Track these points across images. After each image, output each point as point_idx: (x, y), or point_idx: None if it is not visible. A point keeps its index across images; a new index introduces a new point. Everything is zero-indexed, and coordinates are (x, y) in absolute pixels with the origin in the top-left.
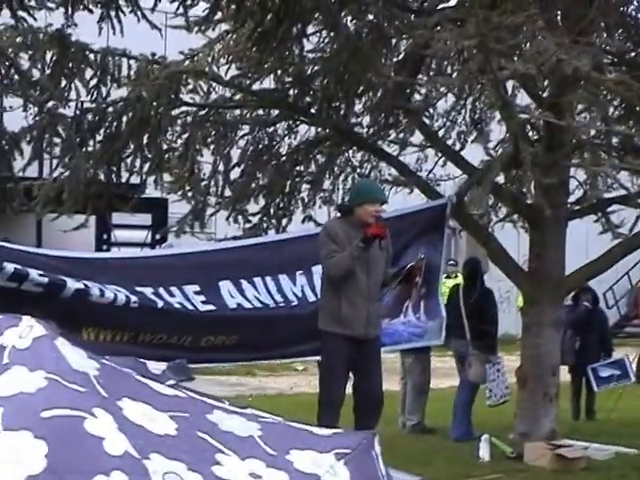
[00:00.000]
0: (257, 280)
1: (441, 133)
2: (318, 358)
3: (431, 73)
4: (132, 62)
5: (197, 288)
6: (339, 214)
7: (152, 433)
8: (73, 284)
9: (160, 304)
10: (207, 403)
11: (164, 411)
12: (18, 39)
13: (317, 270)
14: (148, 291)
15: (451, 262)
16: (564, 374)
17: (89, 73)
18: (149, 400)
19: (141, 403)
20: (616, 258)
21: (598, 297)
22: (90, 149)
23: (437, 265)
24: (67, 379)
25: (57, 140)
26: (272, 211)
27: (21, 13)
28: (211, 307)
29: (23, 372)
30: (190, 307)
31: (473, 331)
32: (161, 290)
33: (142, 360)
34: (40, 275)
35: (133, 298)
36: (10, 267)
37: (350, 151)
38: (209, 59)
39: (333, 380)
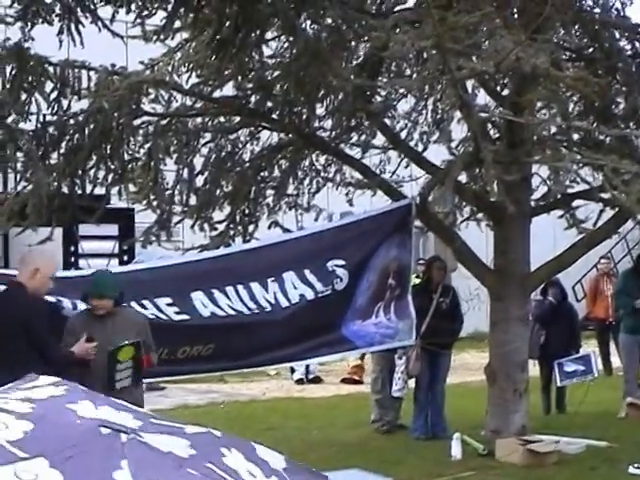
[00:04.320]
0: (229, 289)
1: (403, 134)
2: (293, 364)
3: (391, 75)
4: (92, 74)
5: (169, 300)
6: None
7: None
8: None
9: None
10: None
11: None
12: None
13: (288, 276)
14: None
15: (420, 262)
16: (533, 368)
17: (49, 86)
18: None
19: None
20: (579, 253)
21: (565, 291)
22: (53, 162)
23: (407, 265)
24: None
25: (19, 155)
26: (238, 218)
27: None
28: (185, 317)
29: None
30: (164, 317)
31: None
32: (133, 304)
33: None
34: None
35: None
36: None
37: (313, 155)
38: (169, 68)
39: None
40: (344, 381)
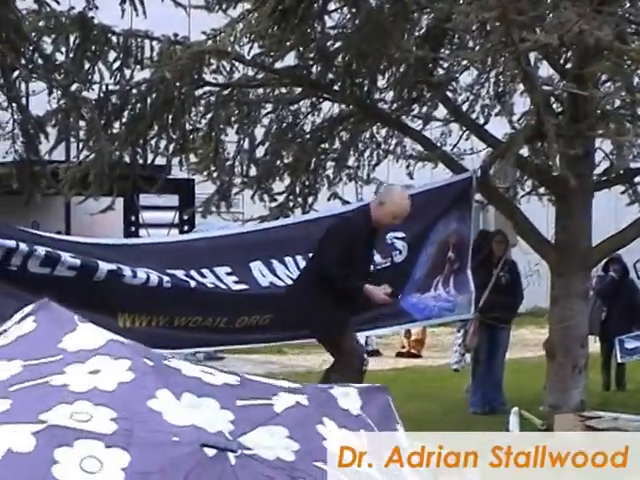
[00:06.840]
0: (288, 259)
1: (465, 107)
2: None
3: (454, 47)
4: (155, 43)
5: (228, 269)
6: None
7: None
8: (105, 265)
9: (193, 284)
10: None
11: None
12: (41, 23)
13: None
14: (180, 273)
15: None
16: (593, 344)
17: (112, 55)
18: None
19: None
20: None
21: (627, 267)
22: (115, 131)
23: (467, 239)
24: None
25: (82, 123)
26: (298, 189)
27: None
28: (244, 286)
29: None
30: (223, 286)
31: None
32: (192, 272)
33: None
34: (72, 257)
35: (165, 278)
36: (41, 250)
37: (374, 127)
38: (231, 38)
39: None
40: (400, 355)
